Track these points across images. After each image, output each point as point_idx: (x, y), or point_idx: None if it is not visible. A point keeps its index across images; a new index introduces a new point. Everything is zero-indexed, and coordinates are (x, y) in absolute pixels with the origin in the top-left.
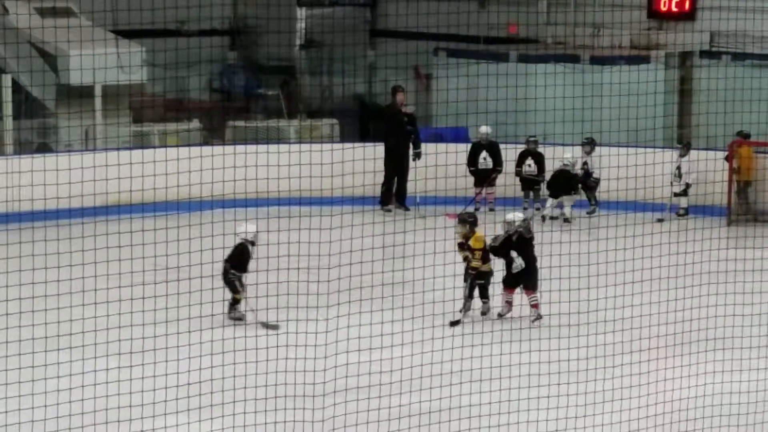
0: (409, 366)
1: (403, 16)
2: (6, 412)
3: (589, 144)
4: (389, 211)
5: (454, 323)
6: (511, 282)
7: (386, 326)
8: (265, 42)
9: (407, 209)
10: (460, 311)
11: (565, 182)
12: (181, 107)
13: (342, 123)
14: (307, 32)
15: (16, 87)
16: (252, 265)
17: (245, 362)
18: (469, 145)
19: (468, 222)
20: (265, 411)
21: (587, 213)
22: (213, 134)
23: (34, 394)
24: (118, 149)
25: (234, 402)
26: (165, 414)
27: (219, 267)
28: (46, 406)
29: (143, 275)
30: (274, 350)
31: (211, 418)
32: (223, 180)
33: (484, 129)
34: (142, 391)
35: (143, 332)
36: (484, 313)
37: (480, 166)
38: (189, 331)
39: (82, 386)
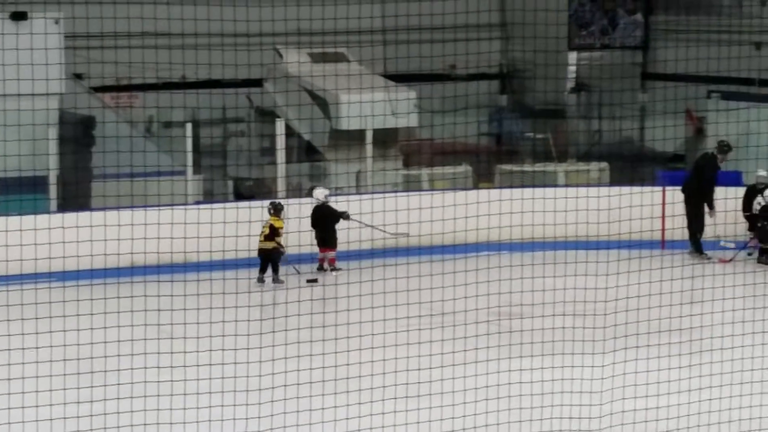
0: (685, 414)
1: (673, 61)
2: None
3: None
4: (708, 258)
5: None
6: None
7: (662, 373)
8: (535, 86)
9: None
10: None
11: None
12: (450, 151)
13: (612, 167)
14: (578, 76)
15: (289, 131)
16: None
17: (520, 408)
18: (744, 189)
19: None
20: None
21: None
22: (482, 178)
23: None
24: (385, 193)
25: None
26: None
27: (491, 312)
28: None
29: (419, 320)
30: (549, 396)
31: None
32: (493, 225)
33: (762, 173)
34: None
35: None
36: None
37: (755, 211)
38: (464, 376)
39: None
